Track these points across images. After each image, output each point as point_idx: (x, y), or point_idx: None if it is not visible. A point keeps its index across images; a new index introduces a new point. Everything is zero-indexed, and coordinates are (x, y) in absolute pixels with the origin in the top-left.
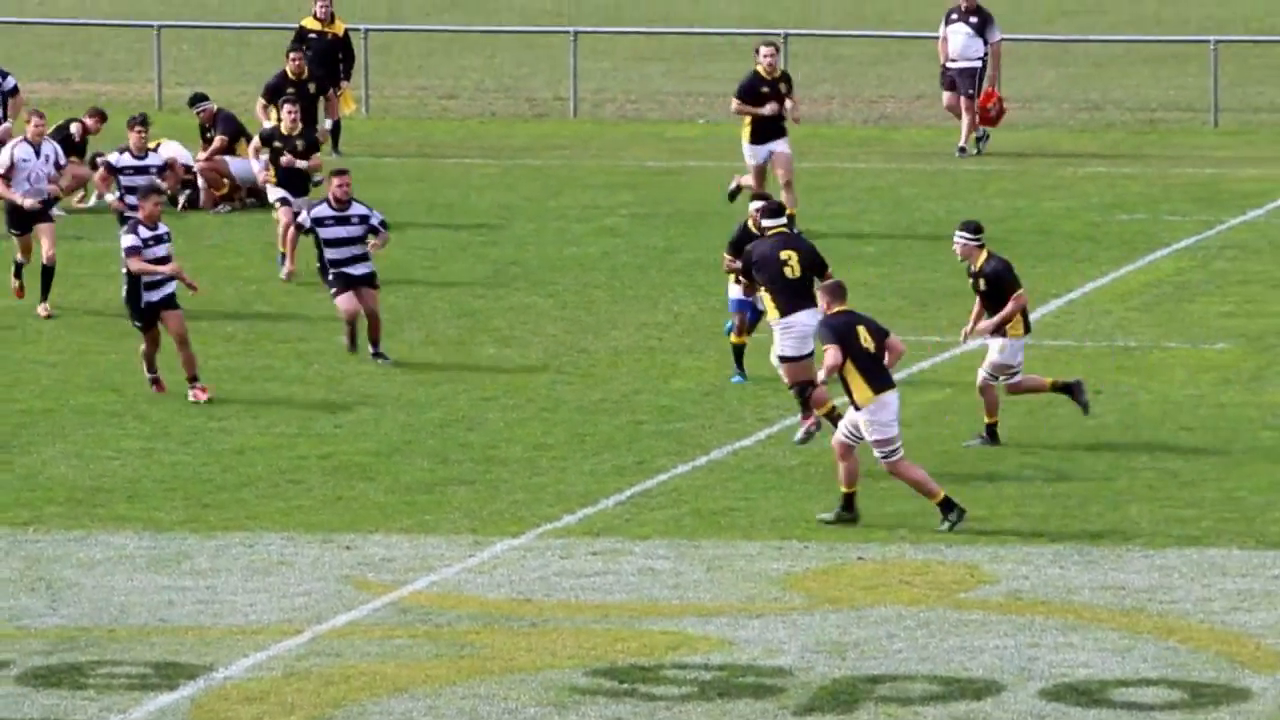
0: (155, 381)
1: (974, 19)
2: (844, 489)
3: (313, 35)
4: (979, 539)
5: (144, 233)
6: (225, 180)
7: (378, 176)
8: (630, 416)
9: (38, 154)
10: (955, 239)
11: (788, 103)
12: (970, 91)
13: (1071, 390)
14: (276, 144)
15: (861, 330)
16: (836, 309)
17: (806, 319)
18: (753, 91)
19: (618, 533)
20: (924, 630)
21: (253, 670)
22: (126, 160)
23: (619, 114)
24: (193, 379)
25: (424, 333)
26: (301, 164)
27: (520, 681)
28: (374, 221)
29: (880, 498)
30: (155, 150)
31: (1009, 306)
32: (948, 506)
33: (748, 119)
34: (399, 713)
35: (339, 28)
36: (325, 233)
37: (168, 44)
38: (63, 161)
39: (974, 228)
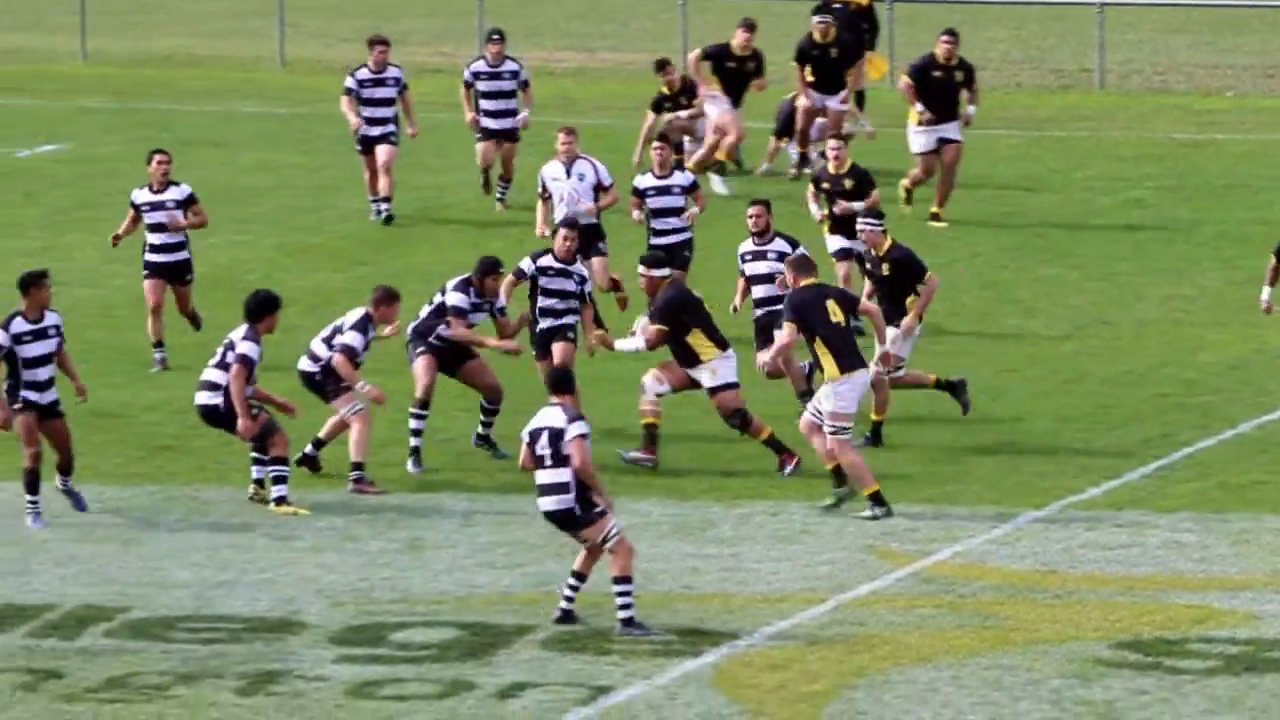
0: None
1: None
2: (828, 466)
3: (837, 5)
4: None
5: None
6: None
7: (900, 146)
8: (1155, 389)
9: (568, 174)
10: (861, 226)
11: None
12: None
13: (954, 388)
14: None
15: (831, 304)
16: (805, 282)
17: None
18: (923, 74)
19: (1143, 505)
20: None
21: (776, 638)
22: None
23: (1145, 86)
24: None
25: (948, 304)
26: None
27: (1044, 653)
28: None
29: None
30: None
31: (925, 292)
32: (878, 500)
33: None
34: (922, 682)
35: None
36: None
37: (694, 13)
38: (605, 180)
39: (879, 214)
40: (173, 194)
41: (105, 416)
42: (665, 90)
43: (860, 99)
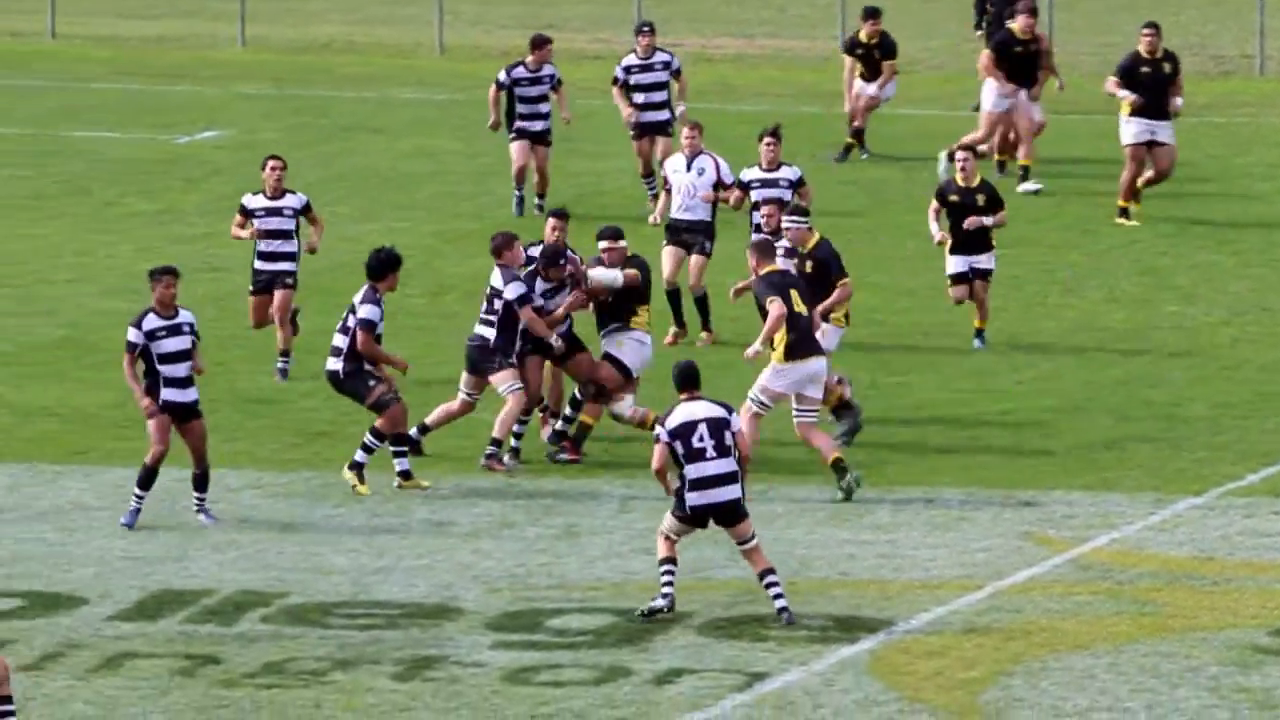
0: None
1: None
2: (828, 461)
3: None
4: None
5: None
6: None
7: (1064, 134)
8: None
9: (689, 168)
10: (786, 223)
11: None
12: None
13: (846, 410)
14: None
15: (794, 294)
16: (769, 268)
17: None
18: (1131, 72)
19: None
20: None
21: (932, 624)
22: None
23: None
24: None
25: (1106, 290)
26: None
27: (1202, 640)
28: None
29: None
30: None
31: (837, 293)
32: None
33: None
34: (1079, 669)
35: None
36: None
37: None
38: (726, 178)
39: (804, 211)
40: (290, 201)
41: (262, 403)
42: (864, 39)
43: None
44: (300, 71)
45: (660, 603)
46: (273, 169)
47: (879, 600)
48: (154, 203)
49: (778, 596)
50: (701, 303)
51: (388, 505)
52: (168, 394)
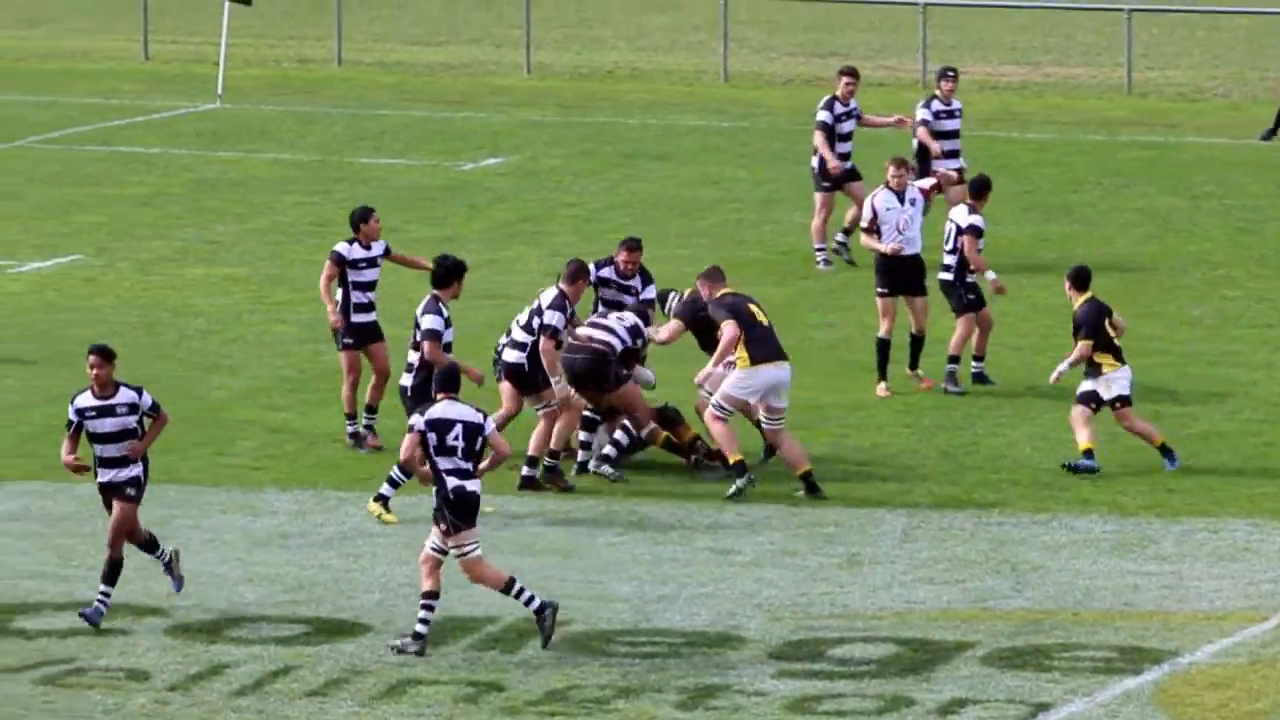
0: None
1: None
2: (804, 467)
3: None
4: None
5: None
6: None
7: None
8: None
9: (901, 201)
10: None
11: None
12: None
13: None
14: None
15: (754, 308)
16: (722, 291)
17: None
18: None
19: None
20: None
21: (1218, 656)
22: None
23: None
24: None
25: None
26: None
27: None
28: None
29: None
30: None
31: (725, 341)
32: (740, 469)
33: None
34: None
35: None
36: None
37: (1138, 27)
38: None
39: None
40: (376, 250)
41: None
42: None
43: None
44: (585, 98)
45: (413, 646)
46: (376, 221)
47: (1163, 631)
48: (437, 229)
49: (526, 598)
50: (919, 342)
51: (670, 534)
52: (100, 473)
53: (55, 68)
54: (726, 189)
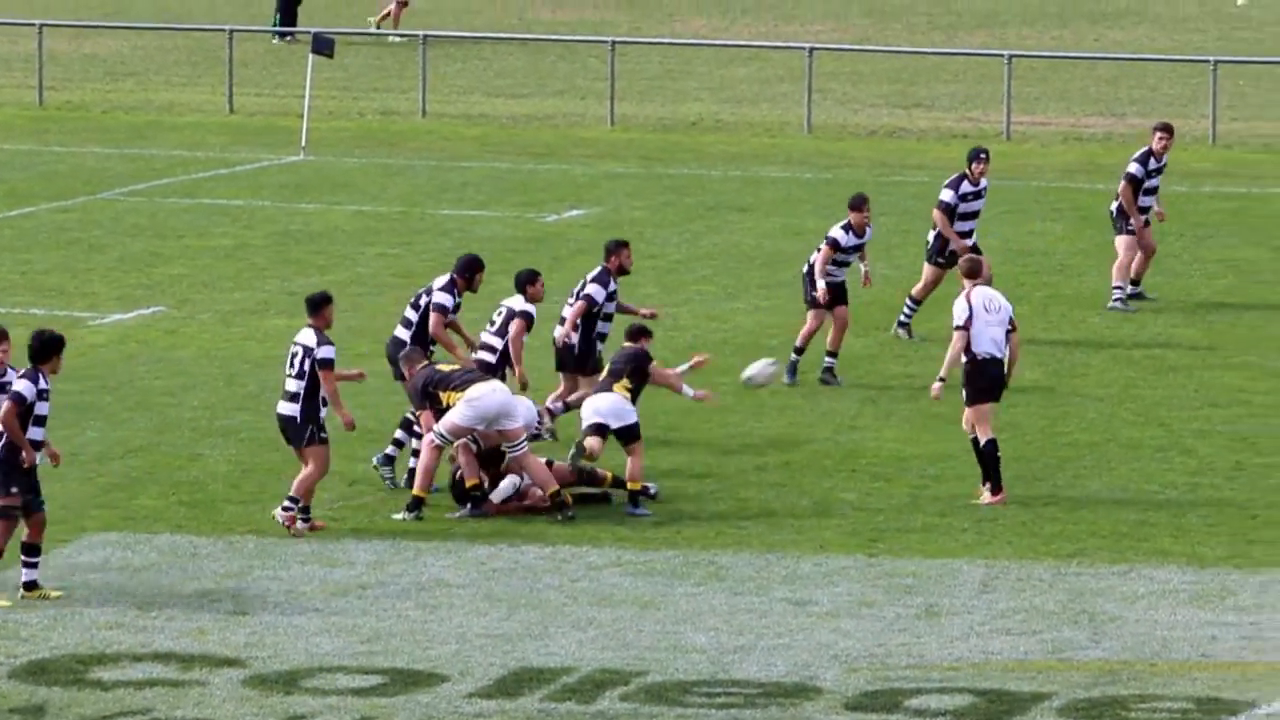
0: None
1: None
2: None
3: None
4: None
5: None
6: None
7: None
8: None
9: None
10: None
11: None
12: None
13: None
14: None
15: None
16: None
17: None
18: None
19: None
20: None
21: None
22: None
23: None
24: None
25: None
26: None
27: None
28: None
29: None
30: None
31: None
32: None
33: None
34: None
35: None
36: None
37: (1224, 78)
38: None
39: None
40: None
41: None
42: None
43: None
44: (668, 150)
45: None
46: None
47: (1240, 682)
48: None
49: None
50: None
51: (747, 584)
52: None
53: (141, 120)
54: (809, 241)
